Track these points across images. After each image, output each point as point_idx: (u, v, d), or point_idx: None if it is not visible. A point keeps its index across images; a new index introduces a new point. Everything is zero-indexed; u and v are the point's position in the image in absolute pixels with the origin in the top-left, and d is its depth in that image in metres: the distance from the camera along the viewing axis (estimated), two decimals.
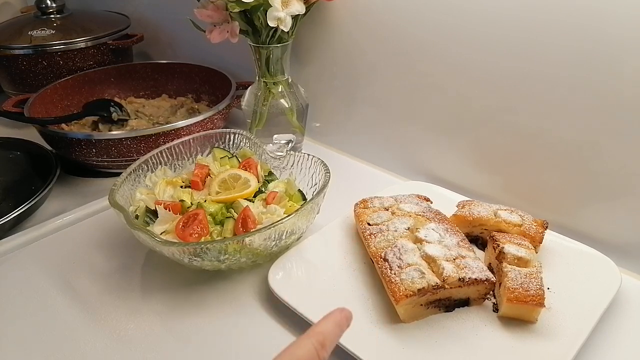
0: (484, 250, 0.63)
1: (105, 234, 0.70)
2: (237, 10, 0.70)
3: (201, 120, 0.83)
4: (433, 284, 0.51)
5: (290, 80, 0.83)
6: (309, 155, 0.69)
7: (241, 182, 0.66)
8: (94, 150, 0.79)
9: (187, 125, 0.81)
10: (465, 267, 0.53)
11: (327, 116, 0.92)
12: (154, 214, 0.62)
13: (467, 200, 0.67)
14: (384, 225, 0.61)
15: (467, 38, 0.67)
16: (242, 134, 0.75)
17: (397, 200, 0.66)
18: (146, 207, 0.63)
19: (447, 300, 0.54)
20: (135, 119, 0.95)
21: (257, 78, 0.82)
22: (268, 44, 0.76)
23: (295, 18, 0.73)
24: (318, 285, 0.58)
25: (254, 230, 0.57)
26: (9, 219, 0.67)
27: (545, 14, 0.59)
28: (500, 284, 0.55)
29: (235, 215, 0.62)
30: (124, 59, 1.14)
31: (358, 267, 0.61)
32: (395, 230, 0.59)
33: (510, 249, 0.56)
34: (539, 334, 0.51)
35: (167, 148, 0.71)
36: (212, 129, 0.85)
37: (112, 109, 0.92)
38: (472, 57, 0.67)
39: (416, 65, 0.74)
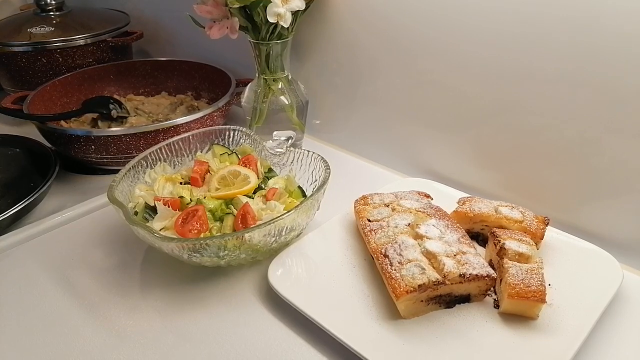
0: (484, 247, 0.63)
1: (104, 231, 0.70)
2: (236, 6, 0.70)
3: (200, 117, 0.82)
4: (434, 280, 0.51)
5: (290, 77, 0.82)
6: (309, 151, 0.69)
7: (241, 179, 0.66)
8: (93, 147, 0.79)
9: (187, 122, 0.81)
10: (466, 263, 0.53)
11: (327, 113, 0.92)
12: (153, 210, 0.62)
13: (467, 197, 0.67)
14: (384, 221, 0.61)
15: (468, 33, 0.66)
16: (241, 131, 0.75)
17: (397, 197, 0.66)
18: (145, 203, 0.63)
19: (447, 297, 0.53)
20: (134, 116, 0.95)
21: (256, 75, 0.82)
22: (268, 40, 0.76)
23: (295, 14, 0.73)
24: (318, 282, 0.58)
25: (253, 226, 0.57)
26: (7, 215, 0.66)
27: (545, 8, 0.58)
28: (501, 280, 0.54)
29: (235, 211, 0.61)
30: (123, 56, 1.14)
31: (358, 263, 0.61)
32: (396, 227, 0.59)
33: (512, 245, 0.55)
34: (540, 330, 0.51)
35: (167, 145, 0.71)
36: (211, 126, 0.84)
37: (111, 106, 0.92)
38: (472, 53, 0.67)
39: (417, 61, 0.74)
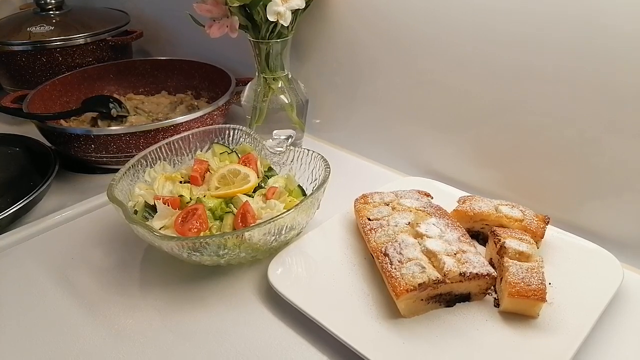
0: (485, 246, 0.63)
1: (104, 230, 0.70)
2: (236, 4, 0.70)
3: (200, 116, 0.82)
4: (434, 279, 0.51)
5: (290, 76, 0.82)
6: (308, 150, 0.69)
7: (241, 178, 0.66)
8: (93, 146, 0.79)
9: (187, 121, 0.81)
10: (467, 262, 0.53)
11: (327, 112, 0.92)
12: (152, 209, 0.62)
13: (468, 196, 0.67)
14: (384, 220, 0.60)
15: (468, 33, 0.66)
16: (241, 130, 0.75)
17: (397, 196, 0.65)
18: (145, 202, 0.63)
19: (447, 295, 0.53)
20: (134, 115, 0.95)
21: (256, 74, 0.82)
22: (268, 39, 0.76)
23: (295, 13, 0.73)
24: (318, 281, 0.58)
25: (253, 225, 0.57)
26: (7, 214, 0.66)
27: (546, 8, 0.58)
28: (501, 279, 0.54)
29: (235, 210, 0.61)
30: (123, 55, 1.14)
31: (358, 262, 0.61)
32: (396, 225, 0.59)
33: (512, 243, 0.55)
34: (541, 329, 0.51)
35: (166, 143, 0.71)
36: (211, 125, 0.84)
37: (111, 106, 0.92)
38: (472, 53, 0.67)
39: (417, 61, 0.74)
